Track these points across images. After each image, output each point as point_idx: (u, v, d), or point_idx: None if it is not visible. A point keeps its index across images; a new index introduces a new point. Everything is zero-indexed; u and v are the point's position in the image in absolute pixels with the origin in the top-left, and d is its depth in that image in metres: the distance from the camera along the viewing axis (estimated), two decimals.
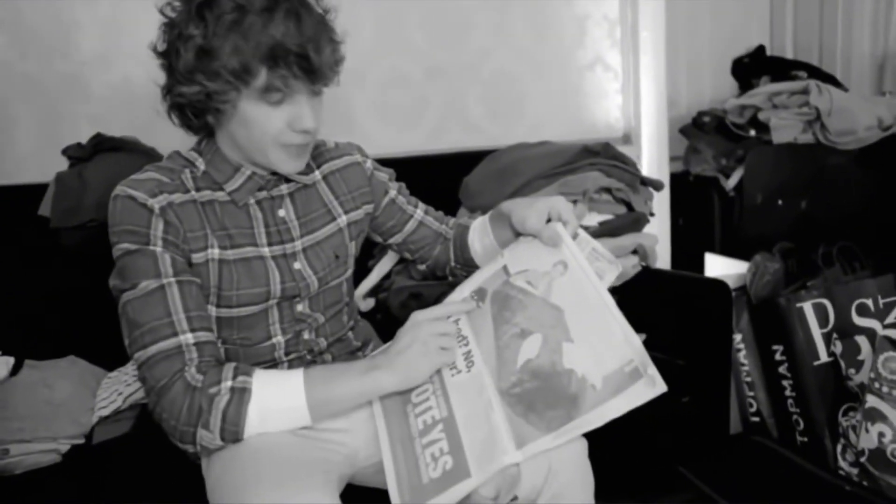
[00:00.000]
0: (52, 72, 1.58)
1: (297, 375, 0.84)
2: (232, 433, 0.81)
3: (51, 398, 1.22)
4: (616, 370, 0.78)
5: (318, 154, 1.05)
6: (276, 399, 0.83)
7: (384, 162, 1.15)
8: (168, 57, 0.86)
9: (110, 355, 1.36)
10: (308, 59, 0.82)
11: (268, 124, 0.86)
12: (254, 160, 0.92)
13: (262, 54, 0.80)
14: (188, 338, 0.84)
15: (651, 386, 0.75)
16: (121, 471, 1.12)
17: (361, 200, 1.07)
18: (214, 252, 0.91)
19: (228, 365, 0.84)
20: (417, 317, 0.88)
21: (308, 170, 1.01)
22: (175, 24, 0.84)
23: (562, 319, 0.84)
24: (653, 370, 0.76)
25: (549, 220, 0.92)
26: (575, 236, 0.90)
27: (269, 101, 0.84)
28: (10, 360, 1.29)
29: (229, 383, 0.81)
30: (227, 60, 0.81)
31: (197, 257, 0.89)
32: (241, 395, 0.81)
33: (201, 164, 0.94)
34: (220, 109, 0.86)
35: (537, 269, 0.90)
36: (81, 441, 1.19)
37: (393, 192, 1.12)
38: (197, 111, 0.88)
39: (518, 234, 0.97)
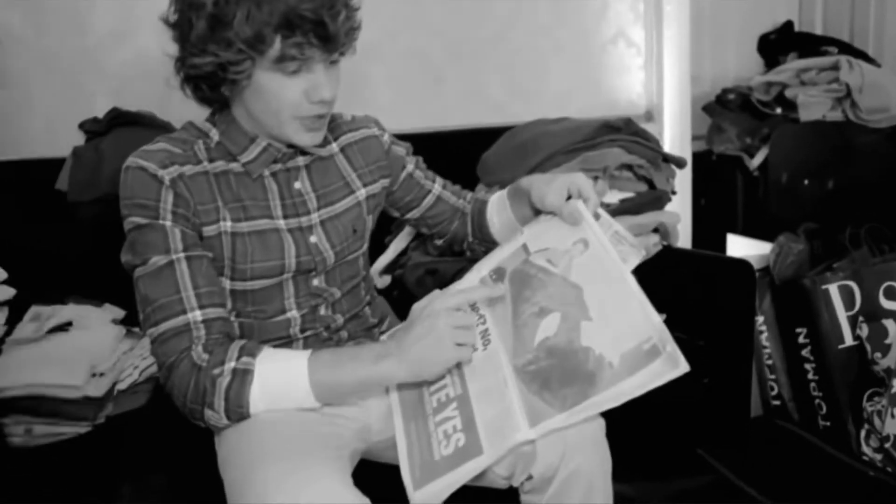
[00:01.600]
0: (68, 47, 1.58)
1: (302, 358, 0.82)
2: (237, 413, 0.81)
3: (73, 344, 1.26)
4: (634, 348, 0.76)
5: (336, 126, 1.03)
6: (280, 382, 0.82)
7: (402, 137, 1.13)
8: (180, 28, 0.84)
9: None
10: (324, 26, 0.80)
11: (284, 95, 0.84)
12: (270, 132, 0.90)
13: (276, 21, 0.78)
14: (196, 315, 0.83)
15: (672, 365, 0.73)
16: (137, 443, 1.13)
17: (379, 174, 1.05)
18: (227, 225, 0.89)
19: (235, 344, 0.83)
20: (436, 305, 0.83)
21: (325, 142, 0.99)
22: None
23: (581, 297, 0.82)
24: (672, 348, 0.73)
25: (569, 197, 0.89)
26: (597, 217, 0.87)
27: (285, 70, 0.82)
28: (11, 291, 1.31)
29: (232, 364, 0.80)
30: (240, 29, 0.79)
31: (208, 230, 0.88)
32: (242, 377, 0.80)
33: (215, 135, 0.92)
34: (234, 80, 0.84)
35: (557, 248, 0.88)
36: (102, 420, 1.20)
37: (410, 167, 1.10)
38: (211, 83, 0.87)
39: (537, 211, 0.95)
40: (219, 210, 0.89)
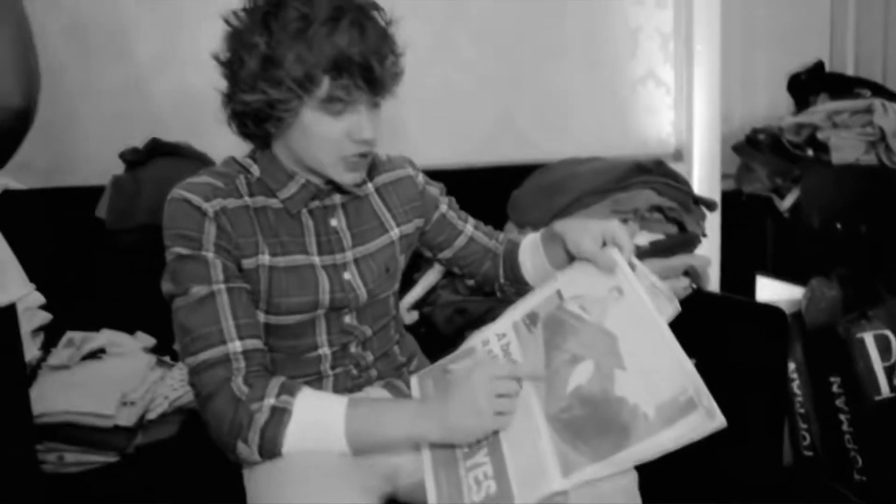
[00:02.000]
0: (111, 77, 1.63)
1: (341, 405, 0.83)
2: (269, 451, 0.81)
3: (106, 372, 1.28)
4: (670, 400, 0.75)
5: (371, 167, 1.05)
6: (316, 426, 0.82)
7: (432, 173, 1.14)
8: (231, 65, 0.87)
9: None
10: (371, 70, 0.83)
11: (328, 134, 0.86)
12: (313, 170, 0.92)
13: (326, 63, 0.81)
14: (236, 346, 0.84)
15: (709, 418, 0.72)
16: (166, 473, 1.14)
17: (413, 214, 1.06)
18: (265, 258, 0.91)
19: (276, 380, 0.84)
20: (477, 373, 0.83)
21: (361, 182, 1.01)
22: (239, 32, 0.85)
23: (615, 346, 0.81)
24: (709, 401, 0.72)
25: (604, 244, 0.89)
26: (633, 268, 0.87)
27: (331, 111, 0.85)
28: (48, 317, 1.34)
29: (272, 401, 0.81)
30: (291, 68, 0.81)
31: (247, 263, 0.90)
32: (280, 416, 0.81)
33: (256, 171, 0.95)
34: (281, 118, 0.86)
35: (592, 295, 0.87)
36: (132, 451, 1.21)
37: (444, 207, 1.11)
38: (257, 119, 0.89)
39: (571, 257, 0.95)
40: (258, 244, 0.91)
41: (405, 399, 0.88)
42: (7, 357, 0.97)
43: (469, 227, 1.14)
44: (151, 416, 1.22)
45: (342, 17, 0.82)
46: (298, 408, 0.82)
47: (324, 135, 0.86)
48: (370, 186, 1.03)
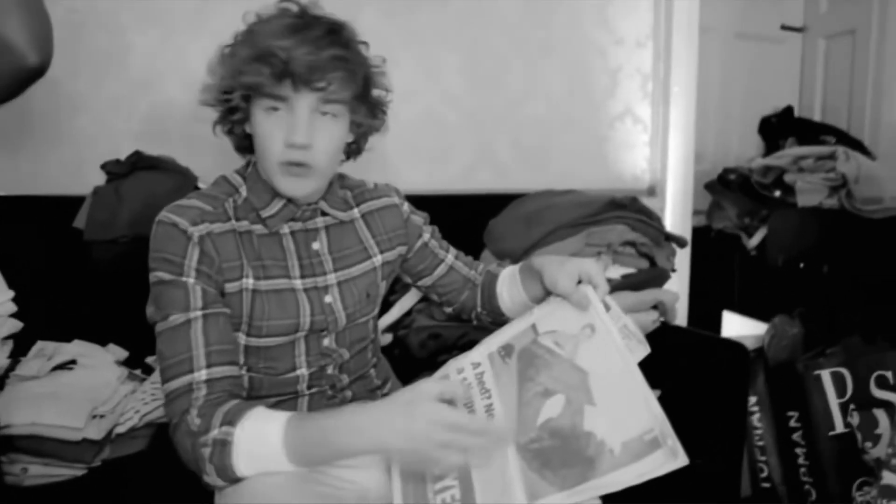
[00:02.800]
0: (98, 89, 1.63)
1: (278, 429, 0.80)
2: (229, 479, 0.81)
3: (76, 384, 1.26)
4: (636, 437, 0.78)
5: (359, 193, 1.08)
6: (258, 453, 0.81)
7: (413, 199, 1.17)
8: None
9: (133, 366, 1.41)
10: (292, 63, 0.84)
11: (267, 135, 0.89)
12: (270, 182, 0.94)
13: (253, 55, 0.86)
14: (202, 374, 0.85)
15: (672, 457, 0.75)
16: (133, 488, 1.13)
17: (396, 242, 1.09)
18: (249, 282, 0.93)
19: (220, 410, 0.83)
20: (418, 408, 0.77)
21: (347, 207, 1.04)
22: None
23: (586, 382, 0.85)
24: (673, 441, 0.76)
25: (579, 282, 0.93)
26: (608, 309, 0.90)
27: (265, 107, 0.89)
28: (18, 325, 1.33)
29: (214, 433, 0.81)
30: (231, 64, 0.89)
31: (231, 286, 0.92)
32: (222, 447, 0.80)
33: (244, 191, 0.97)
34: (238, 120, 0.93)
35: (566, 331, 0.91)
36: (98, 464, 1.20)
37: (426, 236, 1.14)
38: (231, 128, 0.96)
39: (548, 291, 0.98)
40: (243, 267, 0.93)
41: (345, 412, 0.84)
42: None
43: (450, 256, 1.16)
44: (121, 429, 1.20)
45: (281, 18, 0.88)
46: (238, 437, 0.80)
47: (264, 135, 0.90)
48: (356, 212, 1.06)
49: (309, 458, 0.81)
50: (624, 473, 0.77)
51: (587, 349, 0.87)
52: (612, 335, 0.86)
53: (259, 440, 0.80)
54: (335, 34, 0.89)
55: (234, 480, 0.82)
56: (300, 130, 0.87)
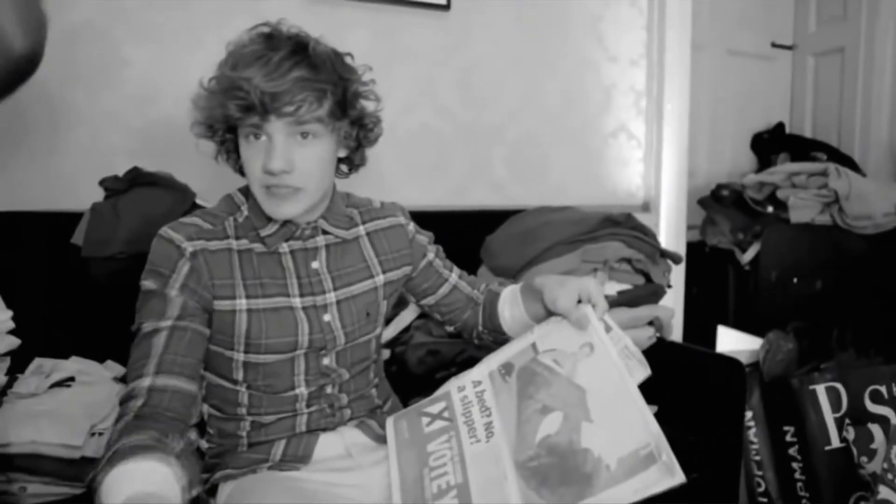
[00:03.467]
0: (96, 104, 1.64)
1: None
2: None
3: (75, 401, 1.26)
4: (631, 453, 0.79)
5: (365, 211, 1.08)
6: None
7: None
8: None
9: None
10: (250, 93, 0.84)
11: (249, 160, 0.91)
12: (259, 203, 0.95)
13: (225, 86, 0.87)
14: (146, 381, 0.85)
15: (668, 474, 0.75)
16: None
17: (401, 262, 1.09)
18: (242, 302, 0.93)
19: (118, 442, 0.77)
20: None
21: (351, 225, 1.05)
22: None
23: (584, 400, 0.85)
24: (669, 457, 0.76)
25: (579, 301, 0.94)
26: (608, 329, 0.91)
27: (245, 134, 0.90)
28: (16, 342, 1.32)
29: (103, 461, 0.75)
30: (210, 100, 0.91)
31: (222, 304, 0.92)
32: (95, 476, 0.74)
33: (245, 209, 0.98)
34: (223, 141, 0.96)
35: (565, 350, 0.92)
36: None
37: (431, 255, 1.14)
38: (233, 157, 0.97)
39: (549, 311, 0.99)
40: (235, 287, 0.93)
41: None
42: None
43: (454, 275, 1.17)
44: None
45: (251, 45, 0.88)
46: (112, 476, 0.72)
47: (246, 161, 0.92)
48: (362, 230, 1.07)
49: None
50: (620, 490, 0.77)
51: (585, 367, 0.88)
52: (609, 353, 0.87)
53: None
54: (298, 55, 0.87)
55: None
56: (275, 157, 0.87)
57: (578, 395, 0.86)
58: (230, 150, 0.97)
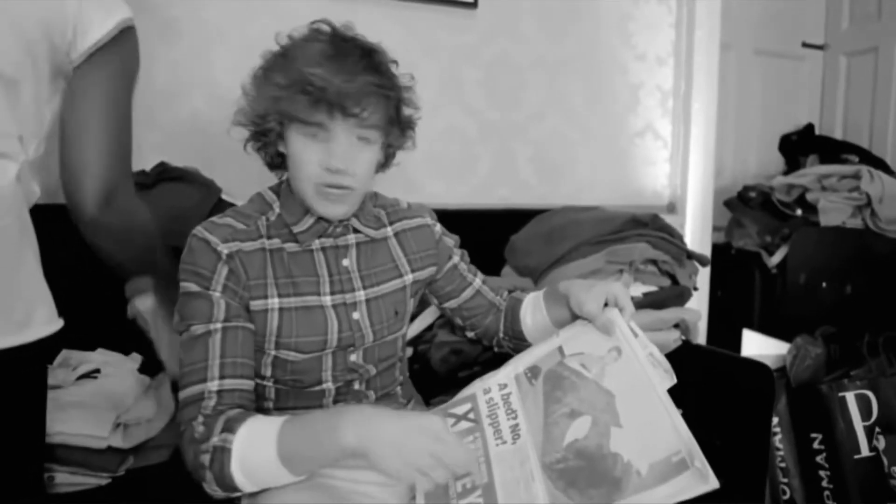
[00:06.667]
0: None
1: (272, 431, 0.80)
2: (227, 487, 0.82)
3: (101, 392, 1.28)
4: (663, 459, 0.78)
5: (394, 212, 1.09)
6: (253, 457, 0.80)
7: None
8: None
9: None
10: (327, 91, 0.85)
11: (304, 159, 0.90)
12: (303, 202, 0.95)
13: (290, 82, 0.86)
14: (213, 384, 0.86)
15: (701, 480, 0.75)
16: (156, 498, 1.14)
17: (428, 262, 1.09)
18: (274, 301, 0.94)
19: (223, 417, 0.83)
20: (413, 416, 0.81)
21: (380, 224, 1.05)
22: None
23: (612, 404, 0.85)
24: (702, 463, 0.75)
25: (606, 305, 0.93)
26: (635, 335, 0.90)
27: (307, 133, 0.89)
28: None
29: (214, 440, 0.81)
30: (269, 90, 0.89)
31: (256, 304, 0.93)
32: (221, 455, 0.80)
33: (277, 207, 0.98)
34: (272, 141, 0.94)
35: (592, 353, 0.91)
36: (122, 473, 1.21)
37: (456, 258, 1.14)
38: (264, 147, 0.96)
39: (574, 315, 0.98)
40: (268, 286, 0.94)
41: (339, 409, 0.84)
42: (26, 400, 0.94)
43: (478, 280, 1.17)
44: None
45: (315, 42, 0.88)
46: (236, 445, 0.80)
47: (301, 159, 0.90)
48: (390, 230, 1.07)
49: (300, 458, 0.80)
50: (651, 495, 0.77)
51: (613, 372, 0.87)
52: (637, 357, 0.86)
53: (253, 445, 0.80)
54: (369, 59, 0.89)
55: (233, 491, 0.82)
56: (340, 156, 0.88)
57: (607, 399, 0.85)
58: (270, 141, 0.95)
